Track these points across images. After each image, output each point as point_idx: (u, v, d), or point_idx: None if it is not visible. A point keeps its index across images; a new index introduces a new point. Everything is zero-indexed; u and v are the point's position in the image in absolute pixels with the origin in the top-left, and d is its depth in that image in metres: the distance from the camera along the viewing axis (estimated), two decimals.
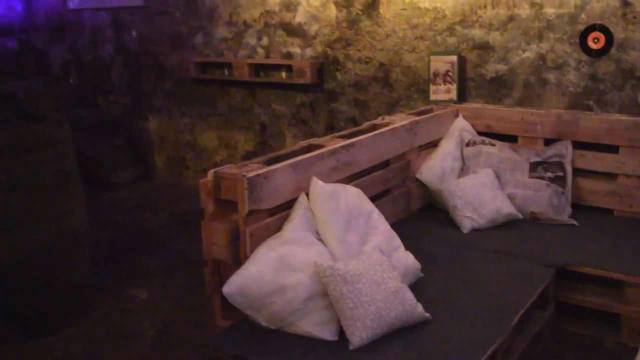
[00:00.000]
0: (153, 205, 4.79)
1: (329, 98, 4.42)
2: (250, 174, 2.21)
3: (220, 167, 2.31)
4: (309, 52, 4.44)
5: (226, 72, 4.80)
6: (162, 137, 5.44)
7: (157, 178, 5.49)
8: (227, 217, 2.30)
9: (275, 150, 4.67)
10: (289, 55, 4.54)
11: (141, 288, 3.40)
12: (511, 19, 3.72)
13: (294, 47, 4.51)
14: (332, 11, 4.30)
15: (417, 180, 3.36)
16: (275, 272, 2.15)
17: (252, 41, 4.69)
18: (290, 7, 4.47)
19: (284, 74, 4.53)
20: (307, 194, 2.43)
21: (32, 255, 2.84)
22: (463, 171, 3.47)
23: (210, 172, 2.28)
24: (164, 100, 5.35)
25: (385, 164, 3.11)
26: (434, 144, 3.52)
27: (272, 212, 2.37)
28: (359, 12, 4.20)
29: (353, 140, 2.78)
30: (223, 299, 2.35)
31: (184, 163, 5.35)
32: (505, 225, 3.17)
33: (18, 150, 2.77)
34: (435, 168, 3.39)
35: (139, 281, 3.48)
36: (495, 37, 3.79)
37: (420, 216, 3.34)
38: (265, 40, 4.64)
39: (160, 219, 4.48)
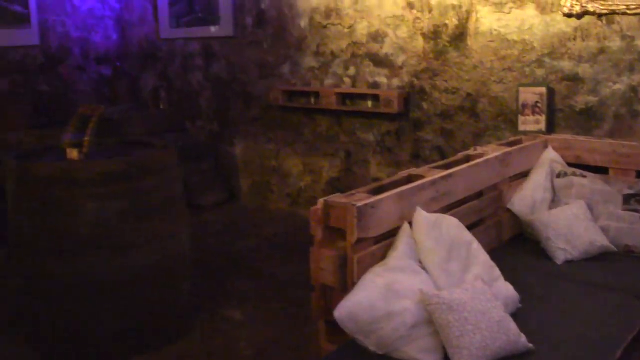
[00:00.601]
0: (240, 228, 4.97)
1: (415, 127, 4.51)
2: (360, 204, 2.32)
3: (330, 196, 2.43)
4: (395, 82, 4.55)
5: (313, 100, 4.97)
6: (247, 162, 5.65)
7: (241, 202, 5.69)
8: (335, 244, 2.41)
9: (360, 177, 4.79)
10: (375, 85, 4.66)
11: (236, 309, 3.53)
12: (602, 51, 3.72)
13: (381, 77, 4.63)
14: (420, 43, 4.41)
15: (508, 210, 3.39)
16: (383, 298, 2.24)
17: (339, 71, 4.84)
18: (377, 39, 4.61)
19: (370, 103, 4.65)
20: (410, 223, 2.52)
21: (140, 275, 3.02)
22: (554, 202, 3.47)
23: (321, 201, 2.39)
24: (250, 127, 5.57)
25: (479, 194, 3.15)
26: (523, 175, 3.54)
27: (376, 240, 2.46)
28: (447, 43, 4.29)
29: (451, 171, 2.85)
30: (328, 323, 2.45)
31: (268, 187, 5.53)
32: (598, 258, 3.15)
33: (132, 176, 2.97)
34: (526, 199, 3.41)
35: (233, 302, 3.62)
36: (585, 69, 3.80)
37: (511, 246, 3.36)
38: (352, 70, 4.78)
39: (248, 242, 4.64)
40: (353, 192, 2.52)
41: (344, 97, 4.79)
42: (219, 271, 4.08)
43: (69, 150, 3.25)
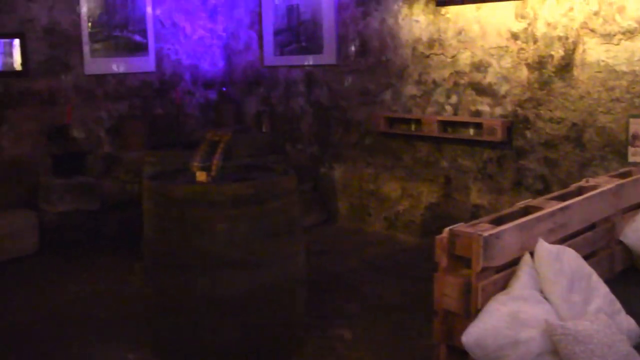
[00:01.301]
0: (340, 249, 5.14)
1: (518, 155, 4.56)
2: (486, 234, 2.43)
3: (455, 226, 2.55)
4: (498, 110, 4.63)
5: (413, 127, 5.11)
6: (345, 185, 5.83)
7: (339, 223, 5.87)
8: (458, 272, 2.52)
9: (460, 203, 4.88)
10: (477, 113, 4.75)
11: (345, 329, 3.68)
12: None
13: (483, 106, 4.71)
14: (524, 73, 4.47)
15: (621, 242, 3.39)
16: (508, 326, 2.33)
17: (441, 99, 4.97)
18: (480, 68, 4.71)
19: (472, 131, 4.74)
20: (530, 253, 2.60)
21: (264, 293, 3.23)
22: None
23: (446, 230, 2.52)
24: (349, 151, 5.76)
25: (592, 226, 3.19)
26: (636, 207, 3.54)
27: (497, 269, 2.55)
28: (552, 74, 4.34)
29: (568, 202, 2.91)
30: (449, 347, 2.57)
31: (366, 210, 5.69)
32: None
33: (260, 199, 3.20)
34: (639, 231, 3.41)
35: (341, 322, 3.77)
36: None
37: (623, 279, 3.34)
38: (453, 99, 4.89)
39: (350, 263, 4.80)
40: (475, 221, 2.63)
41: (445, 125, 4.90)
42: (325, 290, 4.24)
43: (198, 173, 3.52)
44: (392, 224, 5.49)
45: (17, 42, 5.48)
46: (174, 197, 3.20)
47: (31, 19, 5.56)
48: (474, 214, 4.81)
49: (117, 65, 6.08)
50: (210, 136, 3.71)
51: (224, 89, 6.80)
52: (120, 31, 6.12)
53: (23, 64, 5.55)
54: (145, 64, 6.28)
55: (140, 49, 6.24)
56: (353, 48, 5.59)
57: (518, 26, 4.47)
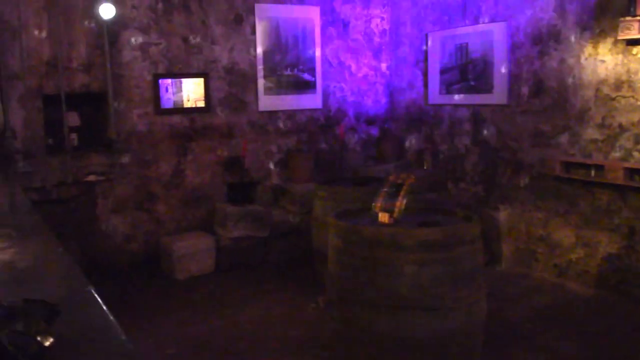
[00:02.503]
0: (506, 294, 4.95)
1: None
2: None
3: None
4: None
5: (593, 172, 4.85)
6: (511, 227, 5.65)
7: (502, 267, 5.68)
8: None
9: None
10: None
11: None
12: None
13: None
14: None
15: None
16: None
17: (628, 144, 4.67)
18: None
19: None
20: None
21: (447, 336, 3.20)
22: None
23: None
24: (517, 193, 5.58)
25: None
26: None
27: None
28: None
29: None
30: None
31: (533, 256, 5.46)
32: None
33: (447, 245, 3.19)
34: None
35: None
36: None
37: None
38: None
39: (519, 310, 4.61)
40: None
41: (632, 172, 4.60)
42: (497, 338, 4.10)
43: (380, 214, 3.58)
44: (562, 272, 5.22)
45: (189, 80, 5.90)
46: (363, 237, 3.27)
47: (214, 60, 6.01)
48: None
49: (288, 102, 6.39)
50: (393, 178, 3.77)
51: (386, 125, 6.89)
52: (291, 70, 6.43)
53: (206, 100, 5.99)
54: (313, 101, 6.54)
55: (308, 86, 6.52)
56: (526, 88, 5.44)
57: None
